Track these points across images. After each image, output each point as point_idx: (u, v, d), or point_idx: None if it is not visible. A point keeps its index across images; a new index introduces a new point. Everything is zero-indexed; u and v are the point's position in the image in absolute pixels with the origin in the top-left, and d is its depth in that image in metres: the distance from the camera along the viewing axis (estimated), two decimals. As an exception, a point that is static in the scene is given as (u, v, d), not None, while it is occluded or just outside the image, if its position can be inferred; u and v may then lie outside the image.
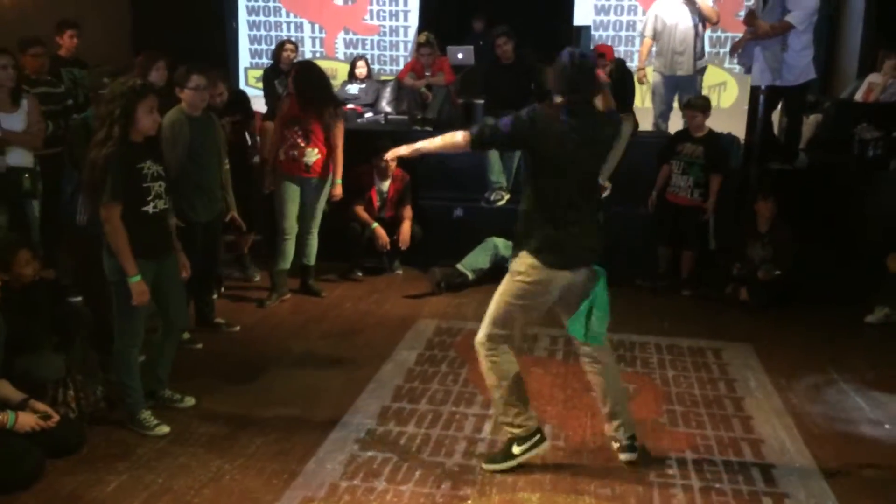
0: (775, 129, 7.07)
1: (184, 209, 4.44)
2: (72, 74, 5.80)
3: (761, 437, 3.80)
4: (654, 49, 7.07)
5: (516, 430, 3.39)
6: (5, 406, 3.25)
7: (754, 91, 6.66)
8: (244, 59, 10.07)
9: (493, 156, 6.47)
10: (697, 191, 5.97)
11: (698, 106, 6.01)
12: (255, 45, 10.04)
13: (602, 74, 6.18)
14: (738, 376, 4.54)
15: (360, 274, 6.38)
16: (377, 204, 6.33)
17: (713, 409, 4.10)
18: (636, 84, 7.23)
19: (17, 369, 3.47)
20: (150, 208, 3.50)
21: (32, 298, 3.70)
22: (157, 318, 3.82)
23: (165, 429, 3.64)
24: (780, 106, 6.83)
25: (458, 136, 3.30)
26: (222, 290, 5.74)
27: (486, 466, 3.42)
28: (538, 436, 3.41)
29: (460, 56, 8.28)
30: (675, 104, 7.04)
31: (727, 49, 8.20)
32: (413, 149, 3.43)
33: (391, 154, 3.56)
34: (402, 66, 8.68)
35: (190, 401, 3.89)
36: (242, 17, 9.98)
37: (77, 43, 6.25)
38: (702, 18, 6.66)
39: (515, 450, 3.39)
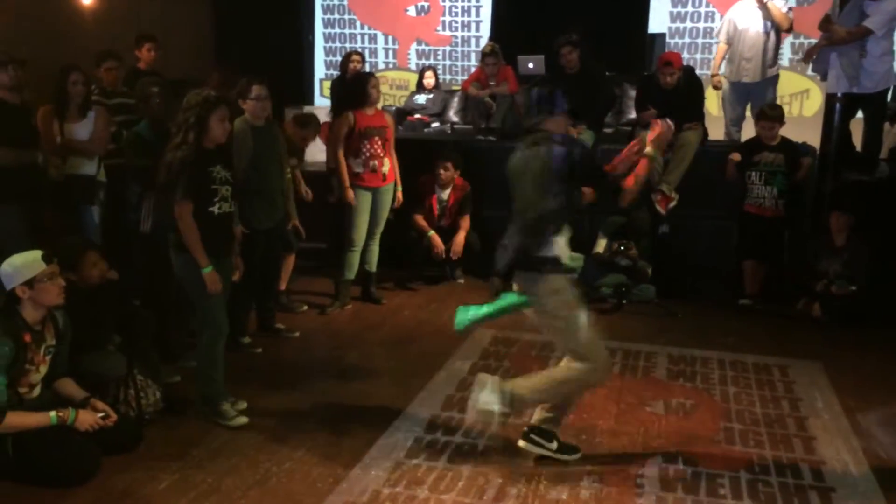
0: (856, 139, 6.77)
1: (246, 216, 4.58)
2: None
3: (823, 459, 3.63)
4: (726, 55, 6.88)
5: (541, 422, 3.51)
6: (68, 403, 3.40)
7: (830, 99, 6.40)
8: (319, 70, 10.31)
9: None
10: (781, 201, 5.78)
11: (772, 117, 5.81)
12: (330, 57, 10.26)
13: (668, 81, 6.08)
14: (803, 395, 4.35)
15: (419, 282, 6.42)
16: (437, 212, 6.37)
17: (774, 428, 3.95)
18: (712, 91, 7.04)
19: (81, 367, 3.64)
20: (215, 209, 3.70)
21: (98, 300, 3.86)
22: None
23: (244, 419, 3.81)
24: (859, 114, 6.53)
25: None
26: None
27: (521, 441, 3.55)
28: (555, 441, 3.51)
29: (531, 66, 8.23)
30: (748, 112, 6.82)
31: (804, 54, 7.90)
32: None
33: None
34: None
35: (242, 404, 3.99)
36: (319, 29, 10.23)
37: (155, 56, 6.53)
38: (774, 25, 6.43)
39: (553, 445, 3.53)
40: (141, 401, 3.77)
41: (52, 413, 3.24)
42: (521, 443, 3.55)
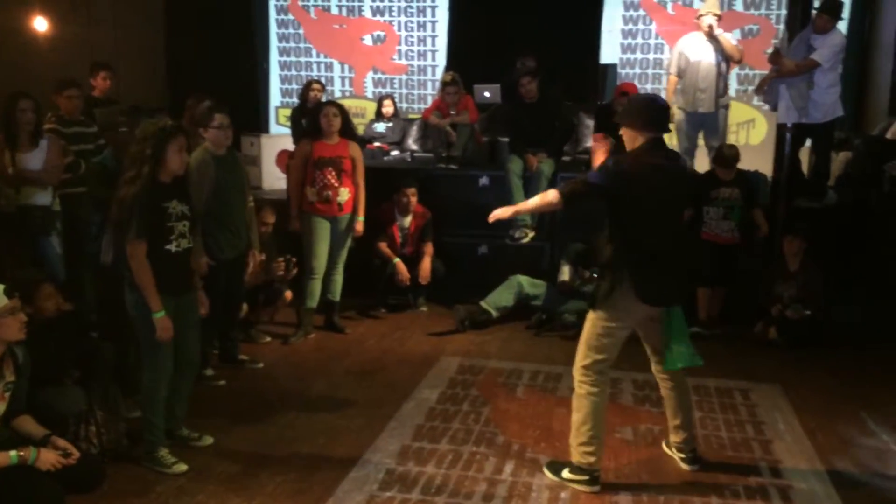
0: (804, 167, 6.99)
1: (209, 246, 4.50)
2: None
3: (790, 483, 3.70)
4: (678, 86, 7.06)
5: (579, 457, 3.55)
6: (28, 442, 3.27)
7: (780, 129, 6.61)
8: (275, 98, 10.27)
9: (518, 193, 6.46)
10: (737, 231, 5.92)
11: (729, 158, 5.92)
12: (286, 85, 10.24)
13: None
14: (766, 418, 4.44)
15: (383, 310, 6.40)
16: (399, 240, 6.37)
17: (740, 452, 4.01)
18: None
19: (38, 402, 3.50)
20: (172, 247, 3.55)
21: (55, 332, 3.74)
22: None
23: (183, 467, 3.64)
24: (808, 143, 6.76)
25: (549, 196, 3.58)
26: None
27: (545, 469, 3.71)
28: (587, 477, 3.54)
29: (487, 94, 8.34)
30: (700, 142, 6.99)
31: (754, 86, 8.16)
32: (512, 210, 3.77)
33: (493, 217, 3.77)
34: (429, 105, 8.77)
35: (208, 440, 3.89)
36: (274, 57, 10.20)
37: (110, 84, 6.42)
38: (725, 56, 6.63)
39: (565, 473, 3.61)
40: (102, 437, 3.65)
41: (13, 452, 3.12)
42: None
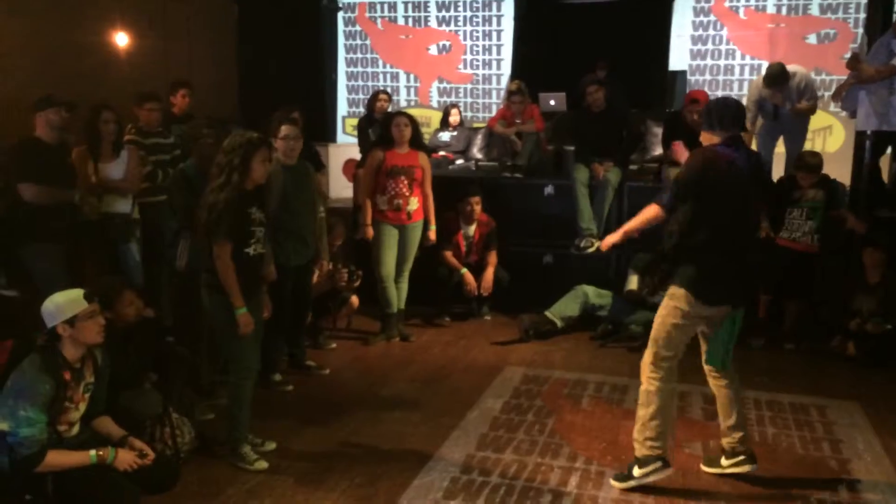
0: (884, 175, 6.74)
1: (276, 254, 4.59)
2: (180, 130, 6.13)
3: (869, 502, 3.55)
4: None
5: (647, 451, 3.56)
6: (106, 442, 3.38)
7: (860, 136, 6.38)
8: (342, 108, 10.43)
9: (584, 202, 6.41)
10: (816, 236, 5.74)
11: (812, 166, 5.76)
12: (353, 95, 10.39)
13: (695, 118, 6.08)
14: (844, 437, 4.28)
15: (447, 319, 6.42)
16: (464, 249, 6.38)
17: (818, 471, 3.87)
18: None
19: (117, 405, 3.62)
20: (251, 251, 3.72)
21: (134, 337, 3.87)
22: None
23: (263, 464, 3.76)
24: (888, 151, 6.51)
25: (651, 211, 3.63)
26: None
27: (612, 482, 3.67)
28: (659, 463, 3.55)
29: (552, 103, 8.31)
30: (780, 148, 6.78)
31: (831, 92, 7.91)
32: (622, 233, 3.80)
33: (606, 244, 3.91)
34: (493, 113, 8.78)
35: (270, 445, 3.97)
36: (342, 67, 10.36)
37: (189, 101, 6.61)
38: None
39: (635, 472, 3.60)
40: (177, 439, 3.75)
41: (92, 452, 3.22)
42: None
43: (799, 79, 6.44)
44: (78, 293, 3.34)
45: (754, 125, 6.70)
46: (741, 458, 3.72)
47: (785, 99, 6.43)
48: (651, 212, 3.62)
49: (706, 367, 3.75)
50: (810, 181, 5.75)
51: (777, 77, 6.24)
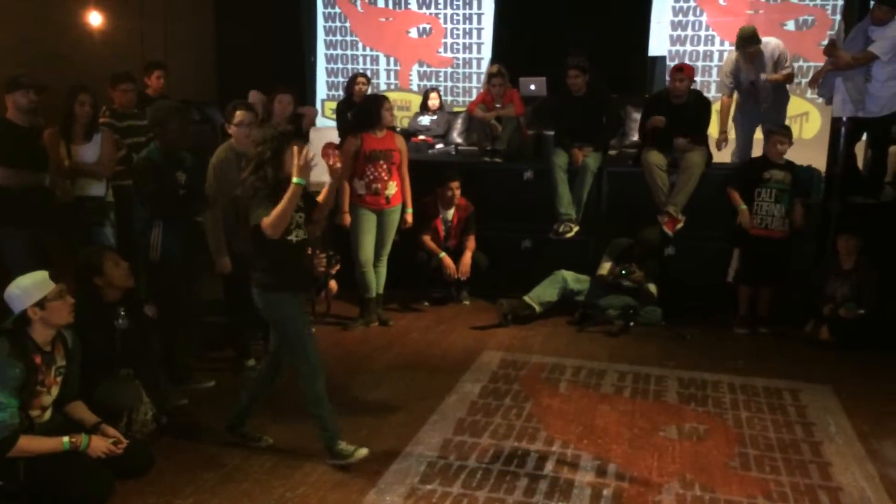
0: (859, 162, 6.80)
1: (241, 244, 4.52)
2: None
3: (840, 485, 3.61)
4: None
5: None
6: (80, 428, 3.36)
7: (835, 123, 6.43)
8: (321, 91, 10.35)
9: (563, 187, 6.41)
10: (787, 220, 5.79)
11: (785, 132, 5.85)
12: (332, 78, 10.32)
13: (680, 87, 6.14)
14: (816, 420, 4.33)
15: (426, 303, 6.42)
16: (442, 233, 6.37)
17: (789, 453, 3.92)
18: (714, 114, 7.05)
19: (93, 399, 3.57)
20: (293, 237, 3.61)
21: (110, 318, 3.82)
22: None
23: (364, 451, 3.66)
24: (864, 138, 6.56)
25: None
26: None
27: None
28: None
29: (532, 87, 8.29)
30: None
31: (808, 79, 7.95)
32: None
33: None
34: (473, 98, 8.75)
35: (268, 441, 3.92)
36: (321, 50, 10.28)
37: (164, 83, 6.53)
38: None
39: None
40: (132, 416, 3.70)
41: (65, 438, 3.20)
42: None
43: (773, 47, 6.50)
44: (44, 274, 3.30)
45: (731, 97, 6.79)
46: None
47: (758, 70, 6.48)
48: None
49: None
50: (782, 150, 5.82)
51: (748, 38, 6.33)
